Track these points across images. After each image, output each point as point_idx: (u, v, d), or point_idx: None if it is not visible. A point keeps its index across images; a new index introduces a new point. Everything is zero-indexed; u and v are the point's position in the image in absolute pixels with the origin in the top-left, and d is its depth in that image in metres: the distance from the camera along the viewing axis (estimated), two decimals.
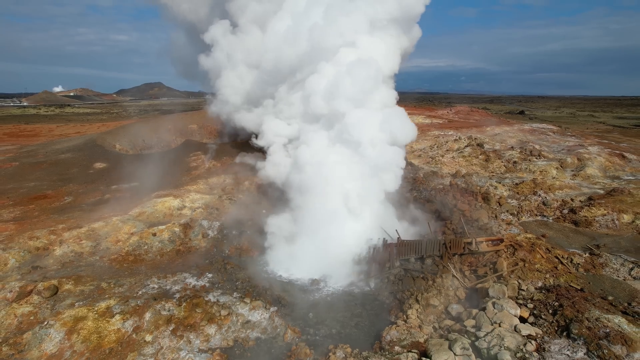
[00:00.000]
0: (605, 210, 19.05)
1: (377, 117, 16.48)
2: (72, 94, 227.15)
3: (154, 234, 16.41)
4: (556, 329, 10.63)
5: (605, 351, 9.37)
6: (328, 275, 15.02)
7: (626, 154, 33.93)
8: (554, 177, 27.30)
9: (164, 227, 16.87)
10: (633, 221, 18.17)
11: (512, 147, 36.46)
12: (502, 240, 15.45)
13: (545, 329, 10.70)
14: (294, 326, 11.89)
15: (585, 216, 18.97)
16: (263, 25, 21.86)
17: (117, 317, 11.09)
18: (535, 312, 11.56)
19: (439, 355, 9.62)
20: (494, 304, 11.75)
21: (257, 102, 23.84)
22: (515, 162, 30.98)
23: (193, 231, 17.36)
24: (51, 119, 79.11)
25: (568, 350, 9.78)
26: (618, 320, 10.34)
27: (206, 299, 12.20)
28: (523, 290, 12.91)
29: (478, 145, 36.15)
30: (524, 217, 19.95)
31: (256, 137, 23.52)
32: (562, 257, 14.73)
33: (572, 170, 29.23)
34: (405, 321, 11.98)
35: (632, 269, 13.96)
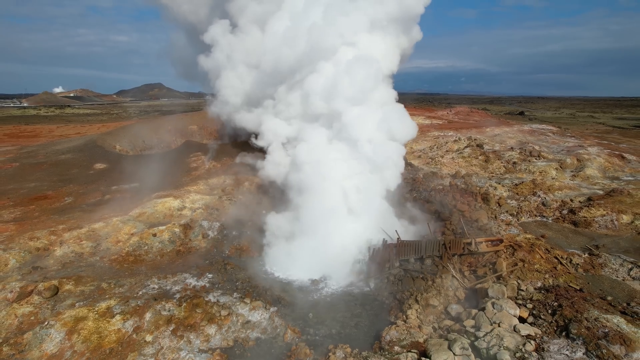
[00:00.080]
0: (604, 210, 19.09)
1: (377, 114, 16.52)
2: (72, 94, 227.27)
3: (154, 235, 16.45)
4: (555, 329, 10.66)
5: (604, 351, 9.41)
6: (328, 276, 15.06)
7: (626, 155, 33.99)
8: (554, 178, 27.34)
9: (164, 227, 16.90)
10: (632, 222, 18.21)
11: (511, 147, 36.52)
12: (501, 241, 15.49)
13: (544, 329, 10.73)
14: (294, 326, 11.92)
15: (584, 217, 19.01)
16: (263, 26, 21.92)
17: (118, 317, 11.12)
18: (534, 312, 11.59)
19: (439, 355, 9.65)
20: (493, 304, 11.78)
21: (257, 102, 23.87)
22: (514, 162, 31.03)
23: (193, 232, 17.39)
24: (51, 119, 79.16)
25: (567, 350, 9.81)
26: (617, 320, 10.38)
27: (206, 299, 12.23)
28: (522, 290, 12.94)
29: (478, 146, 36.20)
30: (523, 218, 19.99)
31: (256, 137, 23.56)
32: (562, 257, 14.76)
33: (572, 171, 29.28)
34: (405, 321, 12.02)
35: (631, 269, 13.99)
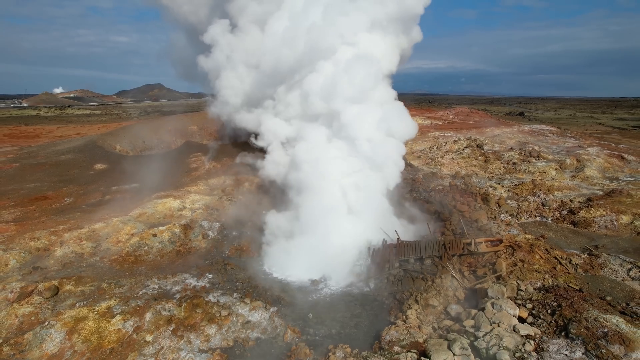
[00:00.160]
0: (604, 211, 19.11)
1: (377, 113, 16.54)
2: (72, 95, 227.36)
3: (155, 235, 16.47)
4: (555, 329, 10.68)
5: (604, 351, 9.43)
6: (328, 276, 15.08)
7: (625, 155, 34.03)
8: (553, 178, 27.36)
9: (164, 228, 16.92)
10: (632, 222, 18.22)
11: (511, 148, 36.55)
12: (501, 241, 15.51)
13: (543, 329, 10.75)
14: (293, 326, 11.94)
15: (584, 217, 19.03)
16: (263, 26, 21.96)
17: (118, 317, 11.14)
18: (534, 312, 11.61)
19: (438, 355, 9.67)
20: (493, 304, 11.81)
21: (257, 102, 23.91)
22: (514, 163, 31.06)
23: (193, 232, 17.41)
24: (51, 120, 79.20)
25: (566, 350, 9.83)
26: (616, 320, 10.40)
27: (206, 299, 12.25)
28: (522, 290, 12.97)
29: (477, 146, 36.23)
30: (523, 218, 20.01)
31: (256, 137, 23.60)
32: (561, 257, 14.79)
33: (572, 171, 29.31)
34: (405, 321, 12.04)
35: (630, 269, 14.02)
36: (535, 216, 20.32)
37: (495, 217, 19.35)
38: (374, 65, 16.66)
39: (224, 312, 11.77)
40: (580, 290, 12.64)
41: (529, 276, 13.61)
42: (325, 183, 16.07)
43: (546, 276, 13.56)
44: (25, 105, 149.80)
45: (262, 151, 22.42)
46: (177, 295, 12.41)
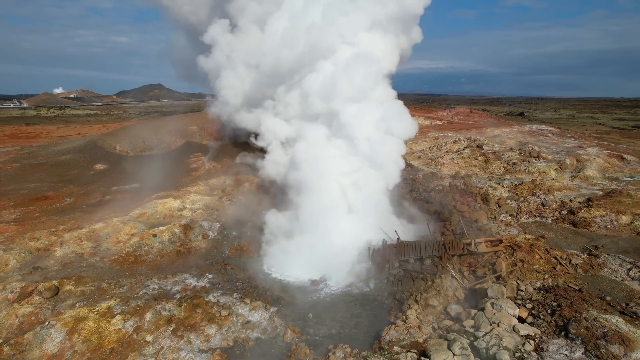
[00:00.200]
0: (603, 211, 19.12)
1: (376, 112, 16.54)
2: (72, 95, 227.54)
3: (155, 235, 16.48)
4: (554, 328, 10.69)
5: (603, 351, 9.44)
6: (328, 276, 15.09)
7: (625, 156, 34.04)
8: (553, 179, 27.37)
9: (164, 228, 16.93)
10: (631, 222, 18.24)
11: (511, 148, 36.57)
12: (501, 241, 15.52)
13: (543, 329, 10.76)
14: (293, 326, 11.96)
15: (584, 217, 19.04)
16: (262, 26, 22.00)
17: (118, 317, 11.15)
18: (533, 312, 11.62)
19: (438, 355, 9.68)
20: (492, 304, 11.82)
21: (257, 103, 23.94)
22: (514, 163, 31.07)
23: (193, 232, 17.42)
24: (51, 120, 79.23)
25: (566, 350, 9.84)
26: (616, 320, 10.41)
27: (206, 299, 12.26)
28: (522, 290, 12.98)
29: (477, 146, 36.24)
30: (523, 218, 20.02)
31: (255, 137, 23.62)
32: (561, 257, 14.80)
33: (571, 172, 29.31)
34: (405, 321, 12.05)
35: (630, 269, 14.03)
36: (535, 216, 20.33)
37: (495, 218, 19.36)
38: (373, 64, 16.68)
39: (224, 312, 11.78)
40: (580, 290, 12.65)
41: (529, 276, 13.62)
42: (325, 182, 16.09)
43: (546, 276, 13.57)
44: (25, 105, 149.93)
45: (262, 151, 22.45)
46: (177, 296, 12.42)
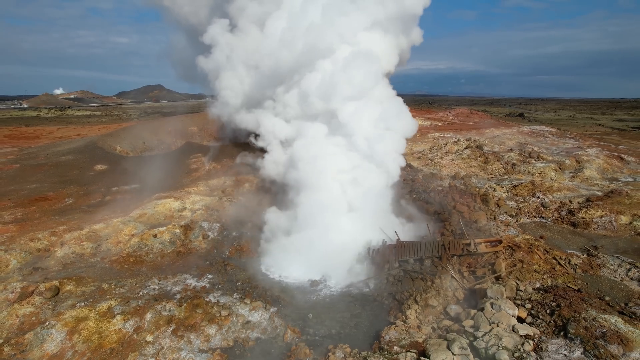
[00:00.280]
0: (603, 211, 19.15)
1: (376, 109, 16.56)
2: (72, 96, 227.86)
3: (155, 236, 16.51)
4: (553, 328, 10.72)
5: (602, 350, 9.47)
6: (327, 276, 15.11)
7: (624, 156, 34.09)
8: (553, 179, 27.40)
9: (164, 228, 16.96)
10: (631, 222, 18.27)
11: (511, 149, 36.62)
12: (500, 242, 15.56)
13: (542, 329, 10.79)
14: (293, 326, 11.98)
15: (583, 218, 19.08)
16: (262, 26, 22.07)
17: (118, 317, 11.17)
18: (533, 312, 11.65)
19: (438, 355, 9.71)
20: (492, 304, 11.84)
21: (257, 103, 23.99)
22: (514, 164, 31.11)
23: (193, 232, 17.46)
24: (52, 121, 79.27)
25: (565, 349, 9.87)
26: (615, 320, 10.44)
27: (206, 299, 12.29)
28: (521, 290, 13.00)
29: (477, 147, 36.28)
30: (522, 219, 20.04)
31: (255, 137, 23.67)
32: (560, 258, 14.83)
33: (571, 172, 29.36)
34: (404, 321, 12.07)
35: (629, 269, 14.06)
36: (535, 217, 20.36)
37: (494, 218, 19.39)
38: (372, 62, 16.73)
39: (224, 313, 11.81)
40: (579, 290, 12.68)
41: (528, 276, 13.65)
42: (324, 180, 16.09)
43: (545, 276, 13.60)
44: (25, 106, 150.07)
45: (263, 151, 22.50)
46: (178, 296, 12.45)
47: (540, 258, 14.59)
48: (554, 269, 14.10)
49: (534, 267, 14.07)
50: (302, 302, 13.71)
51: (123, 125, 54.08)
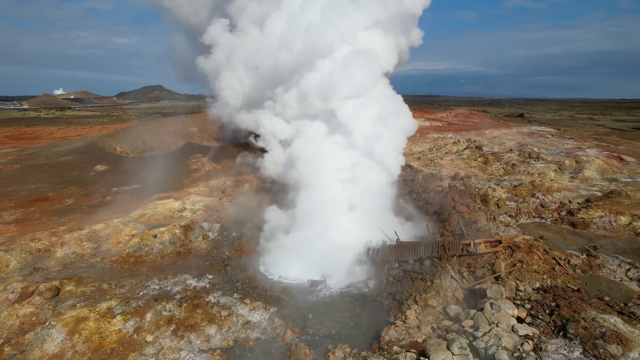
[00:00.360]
0: (602, 212, 19.17)
1: (376, 107, 16.58)
2: (72, 96, 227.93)
3: (155, 236, 16.53)
4: (553, 328, 10.74)
5: (601, 350, 9.49)
6: (327, 277, 15.13)
7: (624, 157, 34.11)
8: (552, 180, 27.42)
9: (164, 229, 16.99)
10: (630, 223, 18.28)
11: (510, 149, 36.65)
12: (500, 242, 15.57)
13: (542, 329, 10.81)
14: (293, 327, 12.00)
15: (582, 218, 19.09)
16: (262, 26, 22.11)
17: (119, 317, 11.19)
18: (532, 312, 11.66)
19: (437, 354, 9.73)
20: (491, 304, 11.86)
21: (257, 103, 24.04)
22: (513, 164, 31.13)
23: (193, 233, 17.48)
24: (52, 121, 79.32)
25: (564, 349, 9.89)
26: (614, 320, 10.46)
27: (207, 299, 12.31)
28: (520, 291, 13.02)
29: (477, 147, 36.31)
30: (522, 219, 20.06)
31: (255, 137, 23.71)
32: (560, 258, 14.84)
33: (570, 173, 29.37)
34: (404, 321, 12.09)
35: (628, 270, 14.07)
36: (534, 217, 20.37)
37: (494, 218, 19.41)
38: (372, 60, 16.76)
39: (224, 313, 11.83)
40: (578, 290, 12.69)
41: (528, 277, 13.67)
42: (324, 178, 16.09)
43: (545, 277, 13.61)
44: (25, 106, 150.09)
45: (263, 151, 22.54)
46: (178, 296, 12.46)
47: (540, 258, 14.61)
48: (553, 269, 14.11)
49: (534, 267, 14.08)
50: (302, 302, 13.73)
51: (123, 125, 54.13)
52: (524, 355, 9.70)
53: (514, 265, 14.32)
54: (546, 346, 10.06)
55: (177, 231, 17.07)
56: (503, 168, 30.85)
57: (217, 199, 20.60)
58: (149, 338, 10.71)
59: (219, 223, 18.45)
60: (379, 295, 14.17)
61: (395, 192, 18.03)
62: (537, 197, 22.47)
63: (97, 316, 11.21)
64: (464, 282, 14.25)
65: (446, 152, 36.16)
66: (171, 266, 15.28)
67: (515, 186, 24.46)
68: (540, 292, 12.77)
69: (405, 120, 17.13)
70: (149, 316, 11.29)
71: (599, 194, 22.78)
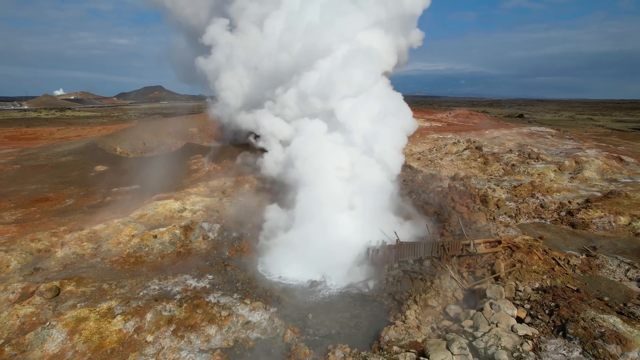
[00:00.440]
0: (602, 212, 19.19)
1: (375, 103, 16.61)
2: (72, 97, 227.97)
3: (155, 236, 16.55)
4: (552, 328, 10.76)
5: (600, 350, 9.51)
6: (327, 277, 15.15)
7: (624, 157, 34.13)
8: (552, 180, 27.44)
9: (164, 229, 17.01)
10: (629, 223, 18.30)
11: (510, 150, 36.66)
12: (499, 242, 15.60)
13: (541, 329, 10.83)
14: (293, 327, 12.02)
15: (582, 218, 19.12)
16: (262, 26, 22.15)
17: (119, 317, 11.21)
18: (532, 312, 11.69)
19: (437, 354, 9.75)
20: (491, 304, 11.88)
21: (257, 103, 24.08)
22: (513, 164, 31.14)
23: (193, 233, 17.50)
24: (52, 122, 79.33)
25: (564, 349, 9.91)
26: (613, 320, 10.48)
27: (207, 300, 12.33)
28: (520, 291, 13.04)
29: (477, 148, 36.33)
30: (521, 220, 20.08)
31: (255, 137, 23.74)
32: (559, 258, 14.87)
33: (570, 173, 29.39)
34: (404, 322, 12.12)
35: (628, 270, 14.09)
36: (534, 217, 20.39)
37: (494, 219, 19.43)
38: (371, 58, 16.79)
39: (224, 313, 11.85)
40: (578, 290, 12.72)
41: (527, 277, 13.69)
42: (324, 176, 16.10)
43: (544, 277, 13.64)
44: (25, 107, 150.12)
45: (263, 151, 22.57)
46: (178, 296, 12.49)
47: (540, 258, 14.63)
48: (553, 269, 14.14)
49: (533, 267, 14.11)
50: (302, 303, 13.76)
51: (123, 126, 54.16)
52: (523, 355, 9.72)
53: (514, 265, 14.34)
54: (545, 346, 10.08)
55: (177, 231, 17.09)
56: (503, 168, 30.87)
57: (217, 200, 20.63)
58: (149, 338, 10.73)
59: (219, 223, 18.47)
60: (379, 296, 14.19)
61: (395, 192, 18.04)
62: (537, 197, 22.50)
63: (98, 316, 11.23)
64: (463, 282, 14.27)
65: (446, 153, 36.19)
66: (171, 266, 15.29)
67: (515, 186, 24.48)
68: (540, 292, 12.79)
69: (405, 118, 17.15)
70: (149, 316, 11.32)
71: (599, 194, 22.80)
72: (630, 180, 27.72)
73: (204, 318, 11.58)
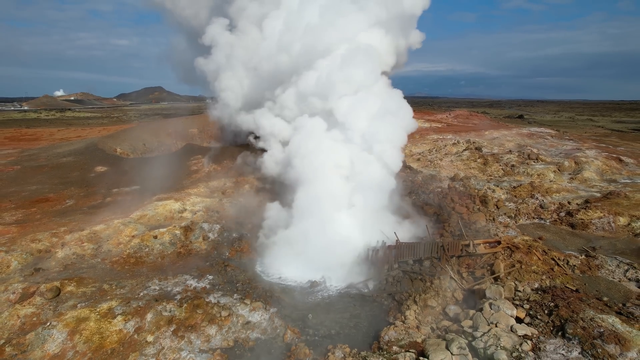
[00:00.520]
0: (601, 213, 19.23)
1: (375, 102, 16.63)
2: (72, 98, 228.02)
3: (155, 237, 16.59)
4: (551, 329, 10.79)
5: (599, 350, 9.54)
6: (327, 277, 15.17)
7: (623, 158, 34.16)
8: (552, 181, 27.49)
9: (165, 229, 17.04)
10: (629, 224, 18.34)
11: (510, 150, 36.71)
12: (499, 243, 15.63)
13: (540, 329, 10.86)
14: (293, 327, 12.05)
15: (581, 219, 19.15)
16: (261, 26, 22.19)
17: (119, 318, 11.24)
18: (531, 312, 11.72)
19: (436, 354, 9.78)
20: (490, 304, 11.91)
21: (257, 104, 24.12)
22: (513, 165, 31.19)
23: (194, 234, 17.53)
24: (52, 122, 79.39)
25: (563, 349, 9.94)
26: (612, 320, 10.51)
27: (207, 300, 12.36)
28: (519, 291, 13.07)
29: (476, 149, 36.38)
30: (521, 220, 20.12)
31: (255, 137, 23.77)
32: (559, 259, 14.89)
33: (570, 174, 29.43)
34: (404, 322, 12.15)
35: (627, 270, 14.12)
36: (534, 218, 20.43)
37: (493, 219, 19.46)
38: (370, 57, 16.82)
39: (224, 313, 11.88)
40: (577, 290, 12.75)
41: (527, 277, 13.71)
42: (323, 174, 16.10)
43: (544, 277, 13.66)
44: (25, 108, 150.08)
45: (263, 151, 22.61)
46: (178, 296, 12.51)
47: (539, 259, 14.66)
48: (552, 269, 14.17)
49: (533, 267, 14.13)
50: (302, 303, 13.78)
51: (123, 127, 54.22)
52: (522, 355, 9.75)
53: (513, 265, 14.37)
54: (545, 346, 10.11)
55: (178, 232, 17.12)
56: (502, 169, 30.92)
57: (217, 200, 20.66)
58: (150, 338, 10.75)
59: (219, 224, 18.50)
60: (379, 296, 14.22)
61: (395, 191, 18.07)
62: (537, 198, 22.54)
63: (98, 316, 11.25)
64: (463, 282, 14.30)
65: (446, 153, 36.23)
66: (171, 267, 15.32)
67: (514, 187, 24.52)
68: (539, 292, 12.82)
69: (405, 117, 17.17)
70: (149, 316, 11.34)
71: (598, 195, 22.84)
72: (629, 181, 27.76)
73: (204, 318, 11.61)
